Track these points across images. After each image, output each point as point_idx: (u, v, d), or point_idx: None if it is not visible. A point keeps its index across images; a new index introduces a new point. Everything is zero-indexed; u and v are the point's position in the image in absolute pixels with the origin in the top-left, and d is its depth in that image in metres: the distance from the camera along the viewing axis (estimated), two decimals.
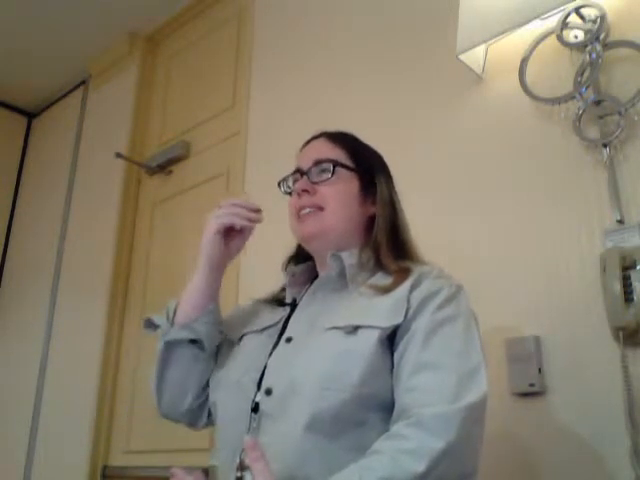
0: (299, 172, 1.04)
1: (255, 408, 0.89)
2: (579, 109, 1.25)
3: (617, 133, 1.19)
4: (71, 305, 2.49)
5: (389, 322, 0.87)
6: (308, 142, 1.09)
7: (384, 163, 1.09)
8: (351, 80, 1.76)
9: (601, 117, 1.22)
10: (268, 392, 0.88)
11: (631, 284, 1.08)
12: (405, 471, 0.73)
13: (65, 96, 3.06)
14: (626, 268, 1.09)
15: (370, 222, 1.02)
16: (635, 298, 1.07)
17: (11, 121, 3.16)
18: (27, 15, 2.54)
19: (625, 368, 1.07)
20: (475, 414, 0.79)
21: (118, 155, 2.37)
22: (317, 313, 0.95)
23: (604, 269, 1.11)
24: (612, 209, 1.17)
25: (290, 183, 1.06)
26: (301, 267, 1.07)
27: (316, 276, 1.05)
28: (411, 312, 0.87)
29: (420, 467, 0.73)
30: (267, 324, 1.01)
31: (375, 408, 0.84)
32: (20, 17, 2.56)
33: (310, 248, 1.04)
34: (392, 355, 0.87)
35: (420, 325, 0.86)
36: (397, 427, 0.79)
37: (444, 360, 0.83)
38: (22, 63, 2.85)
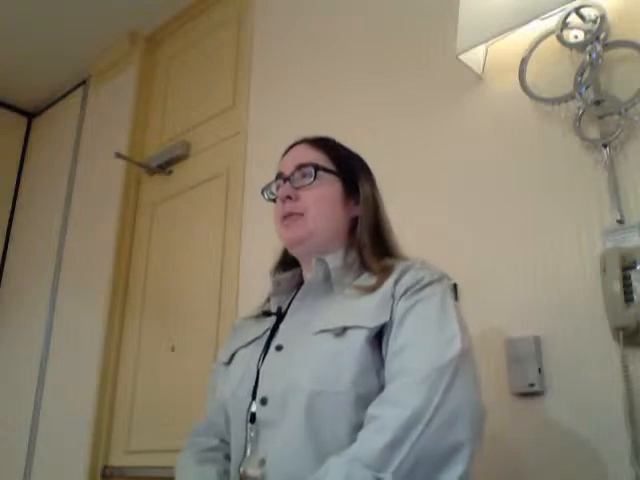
0: (281, 178, 1.04)
1: (252, 418, 0.89)
2: (579, 109, 1.25)
3: (617, 133, 1.19)
4: (71, 305, 2.49)
5: (376, 321, 0.87)
6: (289, 149, 1.09)
7: (365, 164, 1.09)
8: (351, 80, 1.76)
9: (601, 117, 1.22)
10: (263, 401, 0.89)
11: (631, 284, 1.08)
12: (370, 447, 0.74)
13: (65, 96, 3.06)
14: (626, 268, 1.09)
15: (353, 223, 1.03)
16: (635, 298, 1.07)
17: (11, 121, 3.16)
18: (27, 15, 2.54)
19: (625, 368, 1.07)
20: (446, 377, 0.78)
21: (118, 155, 2.37)
22: (306, 319, 0.95)
23: (604, 269, 1.11)
24: (612, 209, 1.17)
25: (274, 189, 1.06)
26: (287, 275, 1.07)
27: (302, 282, 1.05)
28: (395, 304, 0.88)
29: (382, 440, 0.74)
30: (254, 336, 1.02)
31: (360, 400, 0.84)
32: (20, 17, 2.56)
33: (295, 253, 1.04)
34: (381, 353, 0.87)
35: (396, 314, 0.87)
36: (368, 410, 0.80)
37: (415, 339, 0.83)
38: (22, 63, 2.85)
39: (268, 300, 1.10)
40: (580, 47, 1.27)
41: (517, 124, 1.36)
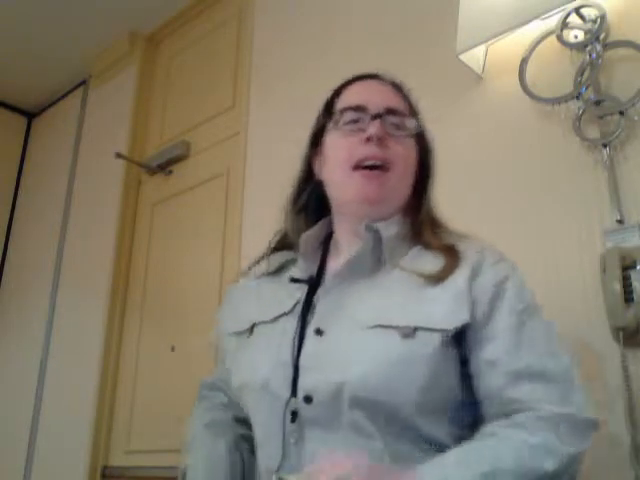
0: (366, 112, 0.85)
1: (293, 417, 0.76)
2: (579, 109, 1.25)
3: (617, 133, 1.19)
4: (71, 305, 2.49)
5: (452, 323, 0.75)
6: (360, 79, 0.92)
7: None
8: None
9: (601, 117, 1.22)
10: (308, 399, 0.76)
11: (631, 284, 1.07)
12: (536, 466, 0.67)
13: (65, 96, 3.06)
14: (626, 268, 1.09)
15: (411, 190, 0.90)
16: (635, 298, 1.07)
17: (11, 121, 3.15)
18: (27, 15, 2.54)
19: (625, 368, 1.07)
20: (592, 429, 0.72)
21: (118, 155, 2.37)
22: (348, 300, 0.81)
23: (604, 269, 1.11)
24: (612, 209, 1.17)
25: (346, 118, 0.87)
26: (314, 232, 0.90)
27: (328, 240, 0.91)
28: (481, 310, 0.77)
29: (550, 465, 0.67)
30: (280, 311, 0.85)
31: (433, 412, 0.75)
32: (20, 17, 2.55)
33: (351, 210, 0.87)
34: (458, 354, 0.77)
35: (500, 326, 0.76)
36: (519, 417, 0.71)
37: (541, 364, 0.74)
38: (22, 63, 2.85)
39: (274, 250, 0.94)
40: (580, 47, 1.27)
41: (517, 124, 1.36)
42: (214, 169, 2.16)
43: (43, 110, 3.18)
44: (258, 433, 0.83)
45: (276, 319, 0.85)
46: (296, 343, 0.80)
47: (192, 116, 2.33)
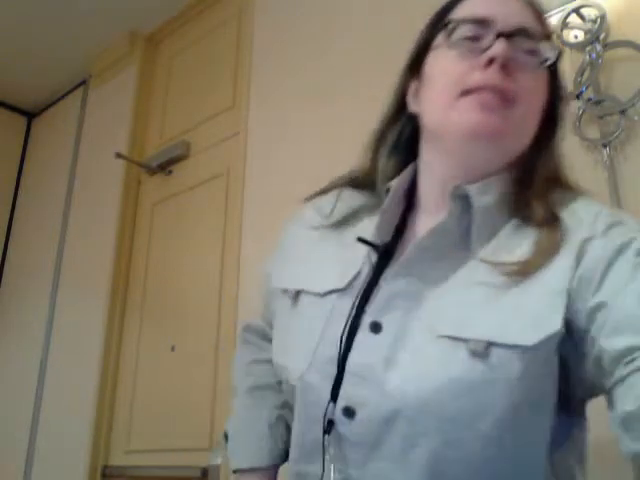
0: (491, 28, 0.64)
1: (329, 427, 0.62)
2: (579, 109, 1.25)
3: (617, 133, 1.19)
4: (71, 305, 2.49)
5: (534, 337, 0.56)
6: None
7: None
8: (351, 80, 1.76)
9: (601, 117, 1.22)
10: (349, 413, 0.61)
11: None
12: None
13: (65, 96, 3.06)
14: None
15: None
16: None
17: (11, 121, 3.16)
18: (27, 15, 2.54)
19: None
20: None
21: (118, 155, 2.37)
22: (421, 289, 0.62)
23: None
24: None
25: (464, 33, 0.65)
26: (400, 180, 0.69)
27: (411, 193, 0.72)
28: (590, 296, 0.56)
29: None
30: (333, 285, 0.67)
31: (513, 450, 0.58)
32: (20, 17, 2.56)
33: (465, 150, 0.65)
34: (558, 365, 0.58)
35: (628, 312, 0.54)
36: None
37: None
38: (22, 63, 2.85)
39: (347, 186, 0.75)
40: (580, 47, 1.27)
41: None
42: (214, 169, 2.16)
43: (43, 110, 3.18)
44: (295, 425, 0.69)
45: (327, 295, 0.67)
46: (345, 335, 0.63)
47: (192, 116, 2.34)
